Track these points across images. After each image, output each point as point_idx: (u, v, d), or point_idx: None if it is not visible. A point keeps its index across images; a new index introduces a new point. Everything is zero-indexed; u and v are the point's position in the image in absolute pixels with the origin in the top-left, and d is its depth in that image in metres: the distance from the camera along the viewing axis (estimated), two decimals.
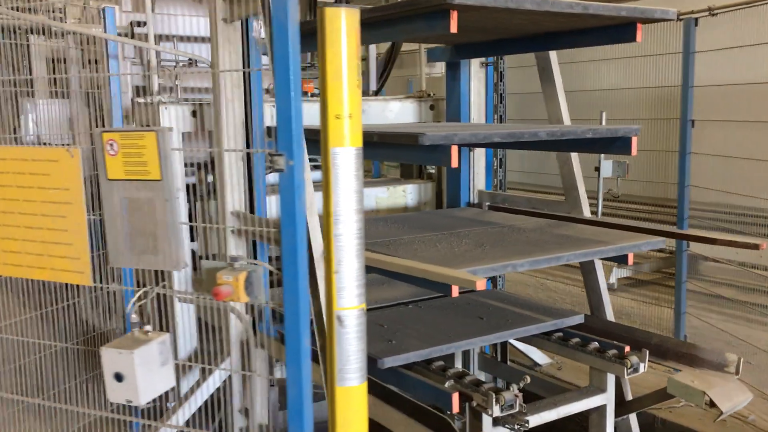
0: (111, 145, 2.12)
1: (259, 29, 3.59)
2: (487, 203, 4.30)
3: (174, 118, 3.77)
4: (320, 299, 2.76)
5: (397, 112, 4.52)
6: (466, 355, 4.32)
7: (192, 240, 3.96)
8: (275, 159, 1.88)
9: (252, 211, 3.56)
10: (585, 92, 8.38)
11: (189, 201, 3.93)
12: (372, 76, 5.63)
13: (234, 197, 3.30)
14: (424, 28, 2.73)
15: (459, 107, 4.28)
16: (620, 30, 3.14)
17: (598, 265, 3.77)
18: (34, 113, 5.12)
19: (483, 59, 4.36)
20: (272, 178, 4.82)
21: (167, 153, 2.09)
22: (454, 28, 2.61)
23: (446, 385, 2.91)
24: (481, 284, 2.27)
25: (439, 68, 7.12)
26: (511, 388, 2.93)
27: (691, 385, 3.07)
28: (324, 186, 1.89)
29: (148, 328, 2.31)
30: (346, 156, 1.87)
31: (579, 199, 3.79)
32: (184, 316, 3.40)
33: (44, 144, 5.00)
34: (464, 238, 3.24)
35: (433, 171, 4.80)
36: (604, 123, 5.05)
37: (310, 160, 4.76)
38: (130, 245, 2.17)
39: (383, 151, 3.02)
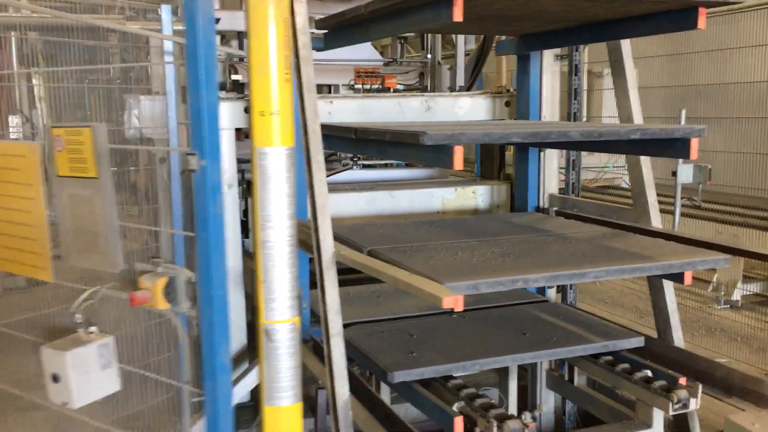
0: (58, 140, 2.11)
1: None
2: (555, 208, 3.96)
3: (227, 113, 3.77)
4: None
5: (468, 109, 4.26)
6: (533, 370, 4.02)
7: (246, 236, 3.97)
8: (188, 158, 1.77)
9: None
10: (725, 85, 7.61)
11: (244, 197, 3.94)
12: (459, 72, 5.39)
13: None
14: (431, 18, 2.51)
15: (528, 104, 3.96)
16: (679, 15, 2.74)
17: (667, 283, 3.34)
18: (137, 109, 5.34)
19: (557, 51, 4.01)
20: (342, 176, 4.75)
21: (103, 150, 2.03)
22: (458, 16, 2.38)
23: (454, 406, 2.68)
24: (449, 302, 2.03)
25: None
26: (523, 416, 2.65)
27: (750, 430, 2.63)
28: (252, 188, 1.76)
29: (93, 329, 2.28)
30: (275, 156, 1.72)
31: (647, 206, 3.38)
32: None
33: (148, 139, 5.24)
34: (496, 247, 2.97)
35: (510, 171, 4.50)
36: (683, 122, 4.49)
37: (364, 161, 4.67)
38: (76, 244, 2.16)
39: (391, 150, 2.83)
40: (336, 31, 3.48)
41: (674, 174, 4.63)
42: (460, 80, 5.35)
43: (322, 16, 3.69)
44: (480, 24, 3.35)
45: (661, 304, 3.35)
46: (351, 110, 4.00)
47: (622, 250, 2.90)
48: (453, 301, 2.03)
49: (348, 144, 3.25)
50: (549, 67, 3.99)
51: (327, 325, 2.59)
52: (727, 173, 7.43)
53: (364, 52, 5.39)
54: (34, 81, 7.06)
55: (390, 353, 2.97)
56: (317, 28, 3.50)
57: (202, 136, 1.79)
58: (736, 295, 6.14)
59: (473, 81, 5.43)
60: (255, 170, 1.69)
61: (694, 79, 7.91)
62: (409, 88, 5.39)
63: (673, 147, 2.84)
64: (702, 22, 2.68)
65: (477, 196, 4.35)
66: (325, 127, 3.51)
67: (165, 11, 3.43)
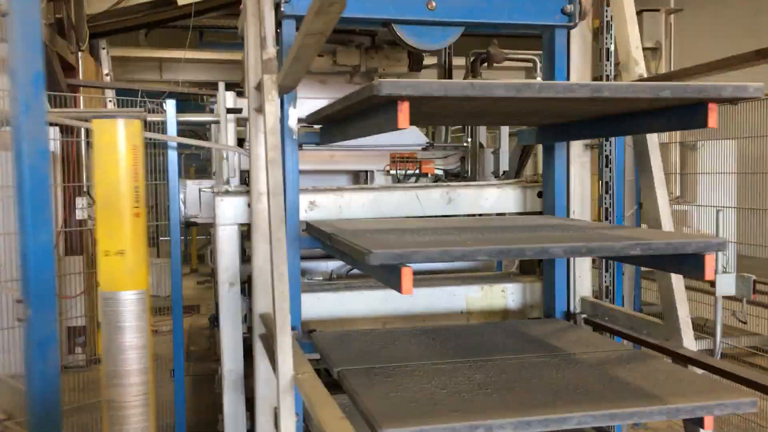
0: None
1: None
2: (585, 315, 3.52)
3: (231, 208, 3.63)
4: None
5: (494, 201, 3.92)
6: None
7: None
8: None
9: None
10: None
11: None
12: (504, 157, 5.06)
13: None
14: (383, 123, 2.25)
15: (554, 198, 3.59)
16: (687, 112, 2.35)
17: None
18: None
19: (587, 141, 3.63)
20: None
21: None
22: (404, 123, 2.10)
23: None
24: None
25: None
26: None
27: None
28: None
29: None
30: (121, 302, 1.50)
31: (679, 324, 2.91)
32: None
33: None
34: (482, 372, 2.60)
35: None
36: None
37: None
38: None
39: (346, 260, 2.55)
40: (325, 126, 3.28)
41: (713, 285, 4.05)
42: (504, 165, 5.01)
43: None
44: (475, 119, 3.05)
45: None
46: (362, 204, 3.76)
47: (629, 384, 2.46)
48: None
49: (327, 249, 3.00)
50: (577, 157, 3.62)
51: None
52: None
53: (409, 135, 5.16)
54: None
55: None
56: (307, 123, 3.31)
57: None
58: None
59: (522, 167, 5.08)
60: (101, 314, 1.48)
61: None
62: (450, 174, 5.11)
63: (685, 264, 2.40)
64: (713, 119, 2.28)
65: (507, 294, 3.96)
66: (311, 228, 3.29)
67: None
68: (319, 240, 3.01)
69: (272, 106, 2.76)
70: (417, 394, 2.37)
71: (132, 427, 1.37)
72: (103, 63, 9.44)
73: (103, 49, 9.48)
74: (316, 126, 3.41)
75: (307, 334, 3.36)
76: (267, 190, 2.68)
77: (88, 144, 6.91)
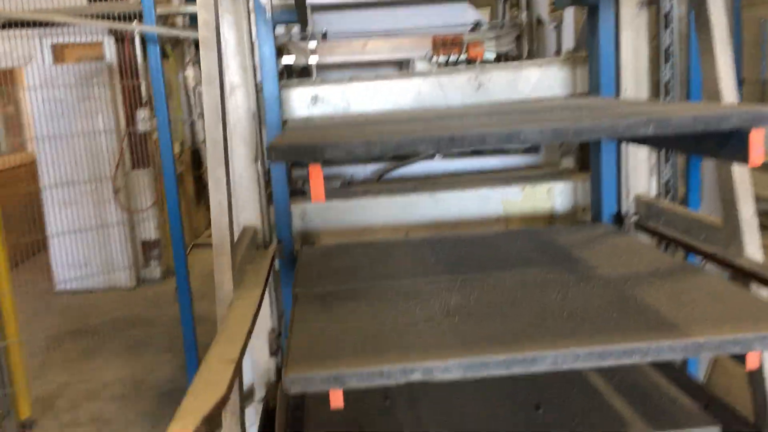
0: None
1: None
2: (635, 218, 2.87)
3: None
4: None
5: (535, 84, 3.26)
6: None
7: None
8: None
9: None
10: None
11: None
12: (567, 32, 4.28)
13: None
14: None
15: (599, 74, 2.89)
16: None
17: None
18: None
19: None
20: None
21: None
22: None
23: None
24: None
25: None
26: None
27: None
28: None
29: None
30: None
31: (740, 226, 2.22)
32: None
33: None
34: (466, 294, 2.08)
35: None
36: None
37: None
38: None
39: None
40: None
41: None
42: (569, 43, 4.24)
43: None
44: None
45: (758, 383, 2.20)
46: (372, 97, 3.23)
47: (649, 308, 1.86)
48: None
49: None
50: (629, 20, 2.87)
51: None
52: None
53: (454, 12, 4.46)
54: None
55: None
56: None
57: None
58: None
59: None
60: None
61: None
62: (503, 57, 4.40)
63: (724, 145, 1.74)
64: (754, 155, 1.55)
65: (553, 196, 3.34)
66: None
67: None
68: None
69: None
70: (366, 324, 1.90)
71: None
72: None
73: None
74: None
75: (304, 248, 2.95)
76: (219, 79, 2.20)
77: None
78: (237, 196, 2.88)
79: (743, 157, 1.67)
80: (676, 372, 2.44)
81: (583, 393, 2.33)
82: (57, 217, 6.61)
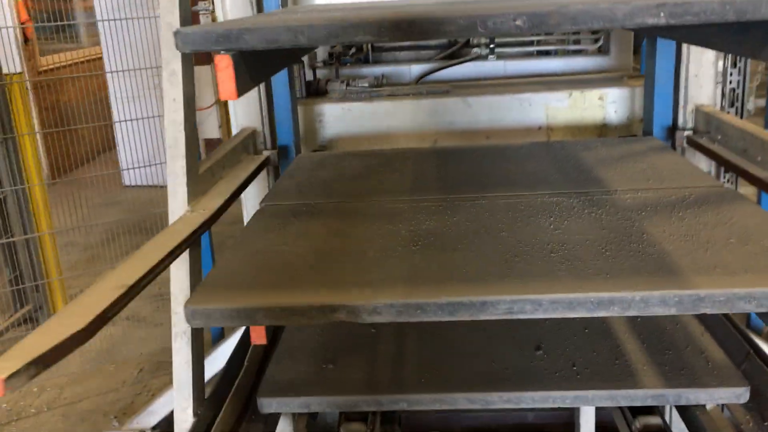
0: None
1: None
2: (689, 131, 2.41)
3: None
4: None
5: None
6: None
7: None
8: None
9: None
10: None
11: None
12: None
13: None
14: None
15: None
16: None
17: None
18: None
19: None
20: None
21: None
22: None
23: None
24: None
25: None
26: None
27: None
28: None
29: None
30: None
31: None
32: None
33: None
34: (444, 218, 1.77)
35: None
36: None
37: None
38: None
39: None
40: None
41: None
42: None
43: None
44: None
45: None
46: None
47: (654, 248, 1.49)
48: None
49: None
50: None
51: None
52: None
53: None
54: None
55: (300, 362, 2.02)
56: None
57: None
58: None
59: None
60: None
61: None
62: None
63: (749, 37, 1.31)
64: None
65: (606, 104, 2.91)
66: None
67: None
68: None
69: None
70: (311, 251, 1.63)
71: None
72: None
73: None
74: None
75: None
76: None
77: None
78: None
79: (761, 53, 1.25)
80: (715, 318, 2.06)
81: (593, 336, 2.00)
82: (122, 112, 6.60)
